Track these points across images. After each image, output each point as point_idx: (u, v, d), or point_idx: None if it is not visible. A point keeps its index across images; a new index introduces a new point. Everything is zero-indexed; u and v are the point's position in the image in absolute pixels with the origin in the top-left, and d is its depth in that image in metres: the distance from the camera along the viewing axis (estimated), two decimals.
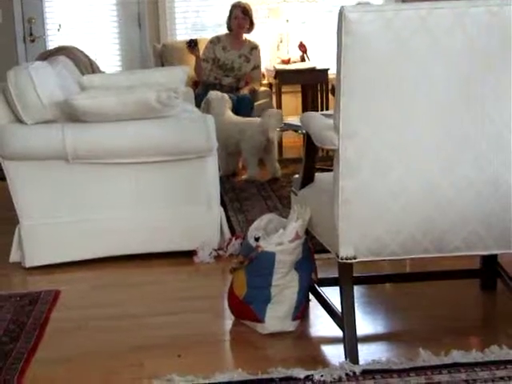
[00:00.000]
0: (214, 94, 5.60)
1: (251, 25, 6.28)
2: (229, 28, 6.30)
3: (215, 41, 6.27)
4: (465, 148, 2.47)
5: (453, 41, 2.37)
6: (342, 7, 2.34)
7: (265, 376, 2.46)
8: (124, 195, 3.74)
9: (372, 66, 2.38)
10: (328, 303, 2.82)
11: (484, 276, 3.15)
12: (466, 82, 2.41)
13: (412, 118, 2.44)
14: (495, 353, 2.55)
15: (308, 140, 2.90)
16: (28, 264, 3.70)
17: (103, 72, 5.59)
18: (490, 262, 3.08)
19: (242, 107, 5.91)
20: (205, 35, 6.77)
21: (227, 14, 6.31)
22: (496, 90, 2.43)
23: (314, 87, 6.57)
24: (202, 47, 6.35)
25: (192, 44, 6.17)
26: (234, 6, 6.26)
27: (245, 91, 6.18)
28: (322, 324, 2.92)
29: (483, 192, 2.51)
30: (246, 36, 6.32)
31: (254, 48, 6.30)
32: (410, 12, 2.35)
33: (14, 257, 3.76)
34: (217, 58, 6.21)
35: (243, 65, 6.25)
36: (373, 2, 6.49)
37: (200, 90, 6.12)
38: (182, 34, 6.94)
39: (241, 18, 6.21)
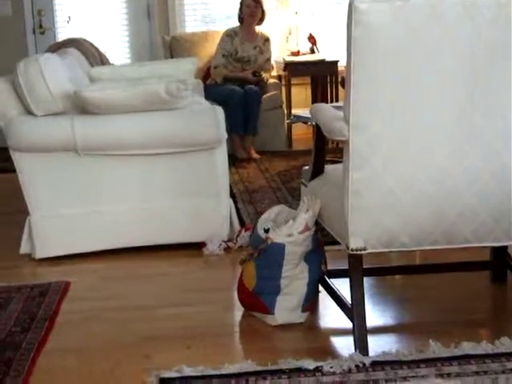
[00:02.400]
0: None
1: (263, 14, 6.23)
2: (240, 20, 6.26)
3: (232, 34, 6.22)
4: (474, 139, 2.46)
5: (462, 30, 2.36)
6: None
7: (274, 367, 2.45)
8: (133, 187, 3.74)
9: (382, 56, 2.37)
10: (338, 295, 2.82)
11: (494, 268, 3.13)
12: (475, 71, 2.40)
13: (422, 108, 2.42)
14: (505, 344, 2.54)
15: (318, 131, 2.90)
16: (38, 255, 3.71)
17: (112, 64, 5.59)
18: (501, 253, 3.07)
19: (249, 100, 5.89)
20: (214, 27, 6.78)
21: (238, 6, 6.27)
22: (504, 81, 2.41)
23: (323, 79, 6.56)
24: (212, 40, 6.35)
25: (256, 75, 6.15)
26: None
27: (248, 75, 6.13)
28: (331, 315, 2.92)
29: (490, 183, 2.49)
30: (257, 28, 6.28)
31: (267, 40, 6.28)
32: (419, 1, 2.34)
33: (24, 248, 3.77)
34: (235, 51, 6.18)
35: (258, 56, 6.22)
36: None
37: (212, 80, 6.10)
38: (191, 26, 6.93)
39: (253, 6, 6.17)
